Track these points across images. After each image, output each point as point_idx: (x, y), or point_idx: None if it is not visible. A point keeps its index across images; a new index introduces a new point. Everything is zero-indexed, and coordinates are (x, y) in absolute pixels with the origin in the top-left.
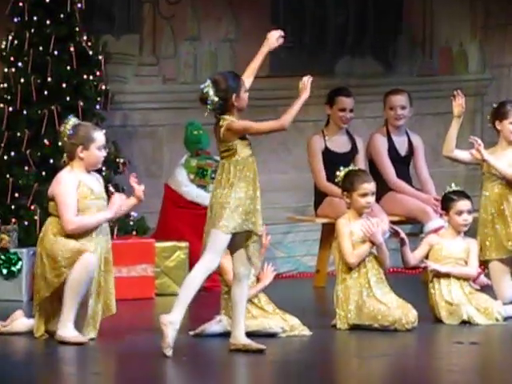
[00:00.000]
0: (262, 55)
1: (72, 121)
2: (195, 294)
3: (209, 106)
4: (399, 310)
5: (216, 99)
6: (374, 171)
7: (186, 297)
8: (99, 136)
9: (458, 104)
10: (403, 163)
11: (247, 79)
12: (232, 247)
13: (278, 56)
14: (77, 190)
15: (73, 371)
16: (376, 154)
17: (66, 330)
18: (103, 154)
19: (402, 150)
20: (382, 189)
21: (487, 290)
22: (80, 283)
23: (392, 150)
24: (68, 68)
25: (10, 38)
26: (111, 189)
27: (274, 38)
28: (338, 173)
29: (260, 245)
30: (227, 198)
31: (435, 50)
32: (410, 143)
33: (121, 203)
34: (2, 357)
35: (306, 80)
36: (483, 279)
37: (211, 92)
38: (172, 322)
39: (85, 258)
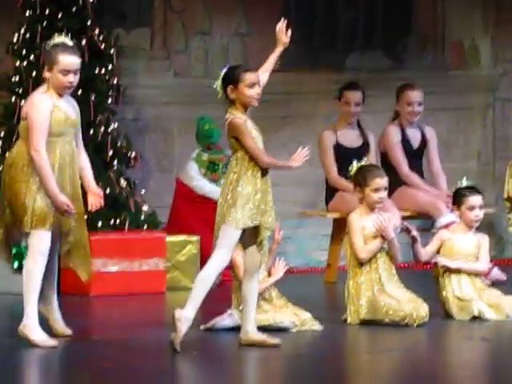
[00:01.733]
0: (277, 53)
1: (54, 40)
2: (208, 290)
3: (219, 97)
4: (410, 305)
5: (219, 90)
6: (387, 165)
7: (200, 293)
8: (64, 59)
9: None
10: (416, 156)
11: (261, 76)
12: (243, 242)
13: (288, 51)
14: (51, 114)
15: (83, 366)
16: (389, 145)
17: (35, 333)
18: (69, 79)
19: (415, 142)
20: (394, 183)
21: (501, 284)
22: (35, 272)
23: (405, 143)
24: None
25: (22, 31)
26: (123, 183)
27: (284, 35)
28: (350, 167)
29: (271, 240)
30: (236, 193)
31: (447, 44)
32: (423, 136)
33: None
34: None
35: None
36: (496, 273)
37: (217, 83)
38: (186, 317)
39: (38, 242)
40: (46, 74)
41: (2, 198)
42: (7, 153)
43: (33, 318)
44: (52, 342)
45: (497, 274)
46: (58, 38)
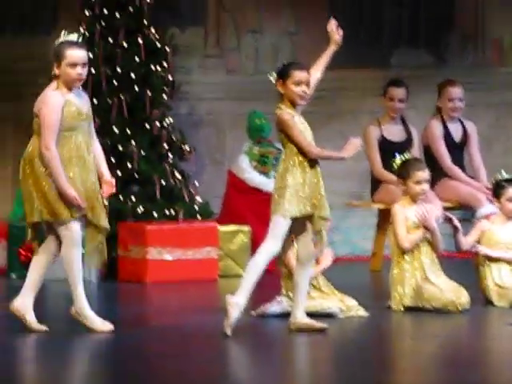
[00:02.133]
0: (330, 53)
1: (61, 38)
2: (259, 277)
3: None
4: (452, 293)
5: (273, 82)
6: (429, 158)
7: (251, 280)
8: (71, 53)
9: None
10: (458, 149)
11: (314, 76)
12: (295, 232)
13: (337, 48)
14: (63, 109)
15: (140, 350)
16: (432, 139)
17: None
18: (77, 71)
19: (457, 136)
20: (436, 176)
21: None
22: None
23: (447, 137)
24: (136, 59)
25: (82, 30)
26: (177, 175)
27: (336, 34)
28: (392, 161)
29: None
30: (285, 185)
31: (487, 42)
32: (465, 130)
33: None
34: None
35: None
36: None
37: (273, 75)
38: (238, 303)
39: (69, 233)
40: (56, 71)
41: (29, 195)
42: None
43: (85, 306)
44: (107, 327)
45: None
46: (64, 36)
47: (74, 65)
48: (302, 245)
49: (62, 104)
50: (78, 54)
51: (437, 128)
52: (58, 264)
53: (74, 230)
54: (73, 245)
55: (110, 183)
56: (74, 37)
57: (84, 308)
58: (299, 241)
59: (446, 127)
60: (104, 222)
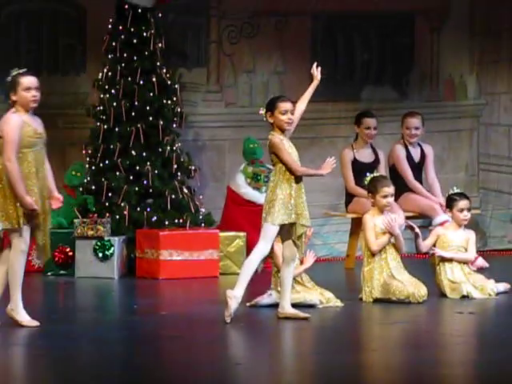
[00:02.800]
0: (313, 88)
1: (13, 72)
2: (253, 275)
3: (264, 120)
4: (413, 287)
5: (263, 115)
6: (394, 175)
7: (246, 276)
8: (25, 79)
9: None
10: (417, 168)
11: (299, 107)
12: (282, 236)
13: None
14: (21, 129)
15: (154, 335)
16: (397, 160)
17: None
18: (32, 93)
19: (416, 157)
20: (399, 190)
21: (483, 271)
22: (19, 267)
23: (409, 158)
24: (151, 94)
25: (105, 70)
26: (185, 190)
27: (317, 72)
28: (364, 178)
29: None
30: (275, 197)
31: (441, 80)
32: (423, 152)
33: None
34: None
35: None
36: (480, 262)
37: (262, 109)
38: (236, 296)
39: (20, 241)
40: (13, 98)
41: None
42: (93, 167)
43: (19, 305)
44: (34, 323)
45: (481, 262)
46: (14, 71)
47: (28, 88)
48: (287, 247)
49: (20, 124)
50: (31, 80)
51: (400, 151)
52: None
53: (24, 239)
54: (21, 252)
55: (58, 199)
56: (22, 71)
57: (18, 306)
58: (285, 244)
59: (407, 150)
60: (49, 227)
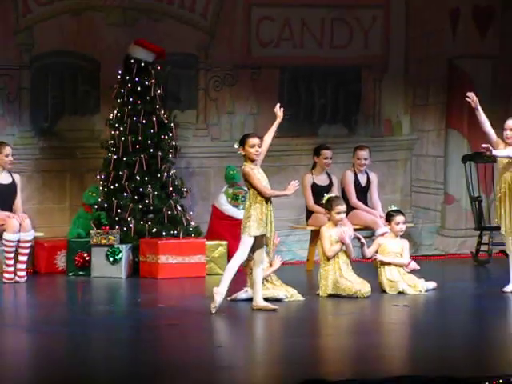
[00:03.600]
0: (276, 124)
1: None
2: (234, 274)
3: (238, 153)
4: (359, 285)
5: (237, 149)
6: (344, 196)
7: (229, 277)
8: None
9: (472, 101)
10: (363, 191)
11: (266, 140)
12: (255, 244)
13: (282, 124)
14: None
15: (154, 324)
16: (346, 184)
17: None
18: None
19: (363, 182)
20: (349, 208)
21: (415, 272)
22: None
23: (356, 183)
24: (152, 131)
25: (115, 111)
26: (179, 207)
27: (280, 112)
28: (322, 198)
29: (273, 243)
30: (250, 215)
31: (381, 120)
32: (368, 178)
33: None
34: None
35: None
36: (412, 265)
37: (236, 144)
38: (220, 292)
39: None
40: None
41: None
42: (105, 189)
43: None
44: None
45: (413, 265)
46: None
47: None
48: (258, 253)
49: None
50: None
51: (349, 177)
52: None
53: None
54: None
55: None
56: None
57: None
58: (256, 250)
59: (356, 176)
60: None
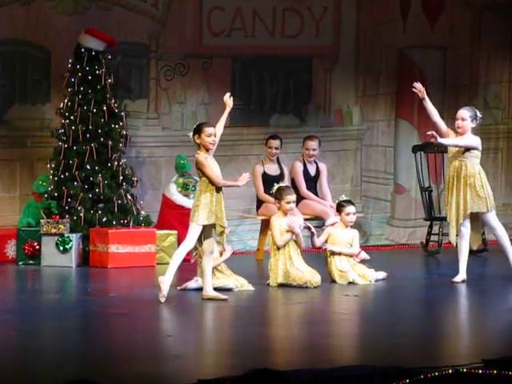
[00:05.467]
0: (226, 113)
1: None
2: (180, 263)
3: (192, 142)
4: (309, 274)
5: (191, 137)
6: (294, 186)
7: (175, 264)
8: None
9: (419, 91)
10: (312, 181)
11: (217, 129)
12: (204, 233)
13: (234, 114)
14: None
15: (104, 312)
16: (295, 174)
17: None
18: None
19: (312, 172)
20: (299, 198)
21: (365, 262)
22: None
23: (306, 173)
24: (102, 120)
25: (66, 101)
26: (129, 197)
27: (229, 101)
28: (272, 188)
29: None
30: (200, 203)
31: (332, 110)
32: (318, 168)
33: None
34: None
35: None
36: (362, 255)
37: (190, 133)
38: (166, 280)
39: None
40: None
41: None
42: (56, 178)
43: None
44: None
45: (363, 255)
46: None
47: None
48: (207, 242)
49: None
50: None
51: (299, 167)
52: None
53: None
54: None
55: None
56: None
57: None
58: (206, 239)
59: (305, 166)
60: None
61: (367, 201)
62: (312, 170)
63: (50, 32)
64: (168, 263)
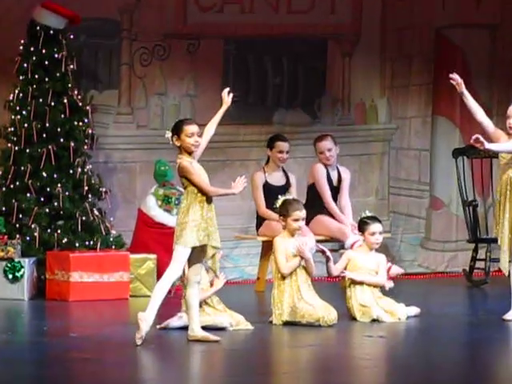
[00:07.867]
0: (222, 112)
1: None
2: (164, 297)
3: (170, 144)
4: (322, 310)
5: (169, 139)
6: (312, 195)
7: (158, 299)
8: None
9: (457, 84)
10: (334, 191)
11: (209, 130)
12: (190, 258)
13: (228, 109)
14: None
15: (63, 357)
16: (319, 179)
17: None
18: None
19: (335, 180)
20: (313, 212)
21: (393, 292)
22: None
23: (328, 180)
24: (62, 116)
25: (17, 91)
26: (95, 212)
27: (228, 97)
28: (276, 201)
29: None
30: (187, 220)
31: (352, 104)
32: (339, 174)
33: None
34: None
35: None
36: (394, 270)
37: (167, 134)
38: (147, 319)
39: None
40: None
41: None
42: (3, 188)
43: None
44: None
45: (396, 270)
46: None
47: None
48: (193, 269)
49: None
50: None
51: (322, 170)
52: None
53: None
54: None
55: None
56: None
57: None
58: (192, 266)
59: (327, 172)
60: None
61: (396, 218)
62: (334, 178)
63: None
64: (144, 295)
